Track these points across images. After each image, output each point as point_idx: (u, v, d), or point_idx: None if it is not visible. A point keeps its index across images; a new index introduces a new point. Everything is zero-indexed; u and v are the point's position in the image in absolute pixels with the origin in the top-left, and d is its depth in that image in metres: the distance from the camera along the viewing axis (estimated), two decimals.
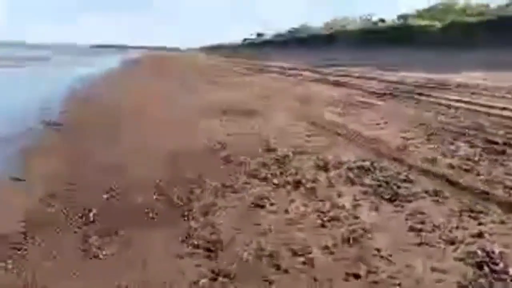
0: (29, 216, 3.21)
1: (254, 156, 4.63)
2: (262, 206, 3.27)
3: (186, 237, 2.82)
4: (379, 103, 8.67)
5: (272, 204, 3.29)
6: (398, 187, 3.63)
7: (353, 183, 3.78)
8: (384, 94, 10.06)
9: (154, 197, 3.52)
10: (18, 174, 4.22)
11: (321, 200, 3.37)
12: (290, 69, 20.75)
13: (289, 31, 70.56)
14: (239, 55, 51.18)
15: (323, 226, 2.89)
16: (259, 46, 66.61)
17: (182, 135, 5.79)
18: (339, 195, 3.48)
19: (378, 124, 6.43)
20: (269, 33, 79.93)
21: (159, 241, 2.78)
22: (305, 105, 8.54)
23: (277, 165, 4.32)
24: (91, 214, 3.22)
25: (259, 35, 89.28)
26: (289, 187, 3.68)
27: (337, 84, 12.68)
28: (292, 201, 3.36)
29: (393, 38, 31.47)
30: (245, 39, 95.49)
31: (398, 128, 6.06)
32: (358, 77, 14.43)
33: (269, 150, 4.91)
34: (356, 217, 3.01)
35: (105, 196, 3.56)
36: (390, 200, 3.35)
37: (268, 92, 10.83)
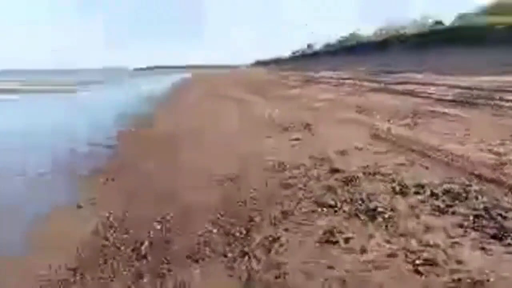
0: (81, 249, 3.03)
1: (318, 179, 4.15)
2: (334, 243, 2.77)
3: (247, 280, 2.42)
4: (453, 111, 7.72)
5: (346, 240, 2.78)
6: (504, 217, 2.93)
7: (442, 212, 3.13)
8: (457, 101, 9.02)
9: (210, 228, 3.18)
10: (74, 200, 4.15)
11: (404, 235, 2.78)
12: (344, 78, 19.95)
13: (339, 41, 69.27)
14: (290, 67, 51.03)
15: (417, 272, 2.31)
16: (310, 58, 65.95)
17: (237, 157, 5.47)
18: (427, 229, 2.86)
19: (457, 136, 5.60)
20: (318, 44, 79.13)
21: (217, 285, 2.41)
22: (367, 117, 7.87)
23: (346, 189, 3.78)
24: (143, 248, 2.95)
25: (309, 46, 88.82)
26: (363, 217, 3.14)
27: (399, 92, 11.73)
28: (371, 236, 2.81)
29: (452, 39, 29.16)
30: (295, 52, 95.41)
31: (484, 140, 5.21)
32: (422, 84, 13.30)
33: (334, 170, 4.38)
34: (459, 261, 2.39)
35: (158, 226, 3.29)
36: (497, 237, 2.67)
37: (324, 104, 10.28)
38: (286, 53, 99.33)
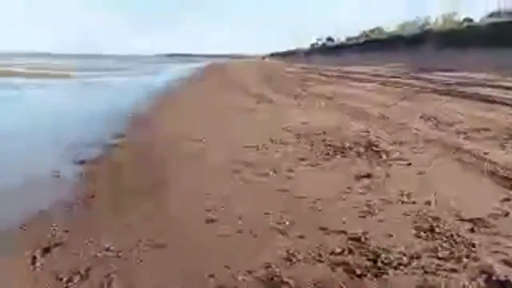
0: None
1: (403, 239, 1.68)
2: None
3: None
4: None
5: None
6: None
7: None
8: None
9: None
10: None
11: None
12: (384, 76, 17.20)
13: (363, 35, 65.80)
14: (314, 61, 48.06)
15: None
16: (332, 51, 62.68)
17: (264, 197, 3.02)
18: None
19: None
20: (340, 37, 75.64)
21: None
22: (457, 138, 5.29)
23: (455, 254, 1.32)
24: None
25: (329, 39, 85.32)
26: None
27: (478, 99, 8.91)
28: None
29: (488, 37, 25.89)
30: (314, 44, 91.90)
31: None
32: (505, 88, 10.50)
33: (427, 222, 1.94)
34: None
35: None
36: None
37: (379, 110, 7.71)
38: (303, 45, 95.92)
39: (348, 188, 3.50)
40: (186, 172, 4.22)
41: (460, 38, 29.63)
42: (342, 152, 4.73)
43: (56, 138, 6.15)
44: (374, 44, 47.37)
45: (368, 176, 3.83)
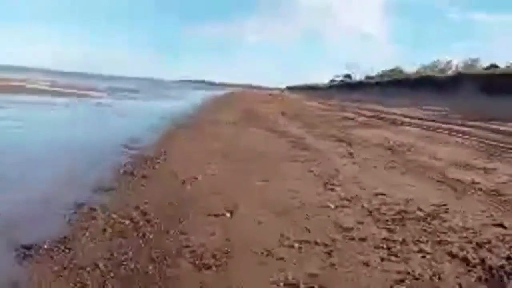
0: None
1: None
2: None
3: None
4: None
5: None
6: None
7: None
8: None
9: None
10: None
11: None
12: (425, 119, 15.08)
13: (383, 74, 64.67)
14: (335, 97, 46.44)
15: None
16: (352, 88, 61.28)
17: None
18: None
19: None
20: (357, 75, 74.79)
21: None
22: None
23: None
24: None
25: (347, 76, 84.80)
26: None
27: None
28: None
29: None
30: (332, 80, 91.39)
31: None
32: None
33: None
34: None
35: None
36: None
37: (468, 176, 5.53)
38: (321, 80, 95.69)
39: None
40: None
41: (498, 84, 27.58)
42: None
43: None
44: (397, 84, 45.63)
45: None
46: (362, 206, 4.11)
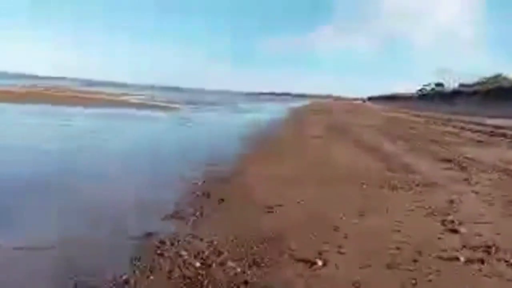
0: None
1: None
2: None
3: None
4: None
5: None
6: None
7: None
8: None
9: None
10: None
11: None
12: None
13: (483, 82, 57.47)
14: (423, 108, 42.44)
15: None
16: (444, 98, 55.53)
17: None
18: None
19: None
20: (450, 83, 67.70)
21: None
22: None
23: None
24: None
25: (438, 85, 77.62)
26: None
27: None
28: None
29: None
30: (422, 89, 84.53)
31: None
32: None
33: None
34: None
35: None
36: None
37: None
38: (399, 90, 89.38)
39: None
40: None
41: None
42: None
43: None
44: (503, 94, 39.82)
45: None
46: (507, 262, 2.96)
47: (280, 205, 4.26)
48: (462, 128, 15.58)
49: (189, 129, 13.59)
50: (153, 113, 19.80)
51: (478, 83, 58.45)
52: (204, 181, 5.25)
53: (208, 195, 4.59)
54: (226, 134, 11.78)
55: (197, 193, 4.69)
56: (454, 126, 16.35)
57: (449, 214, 4.12)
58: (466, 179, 5.86)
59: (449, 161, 7.42)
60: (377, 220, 3.91)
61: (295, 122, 18.71)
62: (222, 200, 4.43)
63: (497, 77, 57.70)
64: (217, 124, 16.95)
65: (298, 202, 4.43)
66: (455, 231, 3.64)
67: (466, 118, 21.27)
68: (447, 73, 78.51)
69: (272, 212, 4.07)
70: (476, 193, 5.06)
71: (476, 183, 5.62)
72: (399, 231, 3.58)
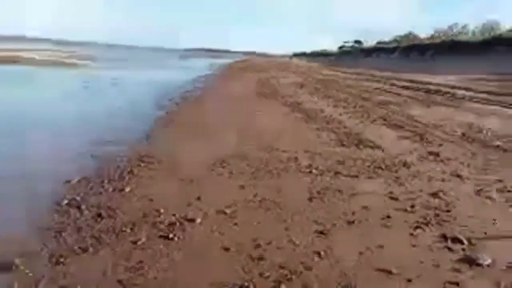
0: None
1: None
2: None
3: None
4: None
5: None
6: None
7: None
8: None
9: None
10: None
11: None
12: (493, 93, 12.25)
13: (396, 40, 60.38)
14: (348, 65, 43.04)
15: None
16: (366, 55, 57.30)
17: None
18: None
19: None
20: (368, 41, 70.25)
21: None
22: None
23: None
24: None
25: (357, 42, 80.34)
26: None
27: None
28: None
29: None
30: (342, 47, 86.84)
31: None
32: None
33: None
34: None
35: None
36: None
37: None
38: (328, 47, 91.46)
39: None
40: None
41: None
42: None
43: None
44: (421, 49, 41.69)
45: None
46: None
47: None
48: (393, 84, 15.14)
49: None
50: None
51: (394, 40, 61.13)
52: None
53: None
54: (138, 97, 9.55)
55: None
56: (385, 83, 15.90)
57: (436, 215, 2.88)
58: (433, 154, 4.77)
59: (401, 127, 6.38)
60: (342, 236, 2.47)
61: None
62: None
63: (408, 35, 60.82)
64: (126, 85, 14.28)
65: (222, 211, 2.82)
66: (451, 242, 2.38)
67: (396, 75, 21.28)
68: (368, 33, 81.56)
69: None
70: (459, 176, 3.94)
71: (449, 159, 4.54)
72: (383, 246, 2.19)
